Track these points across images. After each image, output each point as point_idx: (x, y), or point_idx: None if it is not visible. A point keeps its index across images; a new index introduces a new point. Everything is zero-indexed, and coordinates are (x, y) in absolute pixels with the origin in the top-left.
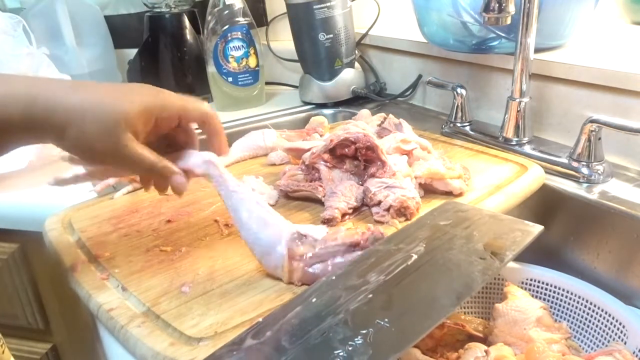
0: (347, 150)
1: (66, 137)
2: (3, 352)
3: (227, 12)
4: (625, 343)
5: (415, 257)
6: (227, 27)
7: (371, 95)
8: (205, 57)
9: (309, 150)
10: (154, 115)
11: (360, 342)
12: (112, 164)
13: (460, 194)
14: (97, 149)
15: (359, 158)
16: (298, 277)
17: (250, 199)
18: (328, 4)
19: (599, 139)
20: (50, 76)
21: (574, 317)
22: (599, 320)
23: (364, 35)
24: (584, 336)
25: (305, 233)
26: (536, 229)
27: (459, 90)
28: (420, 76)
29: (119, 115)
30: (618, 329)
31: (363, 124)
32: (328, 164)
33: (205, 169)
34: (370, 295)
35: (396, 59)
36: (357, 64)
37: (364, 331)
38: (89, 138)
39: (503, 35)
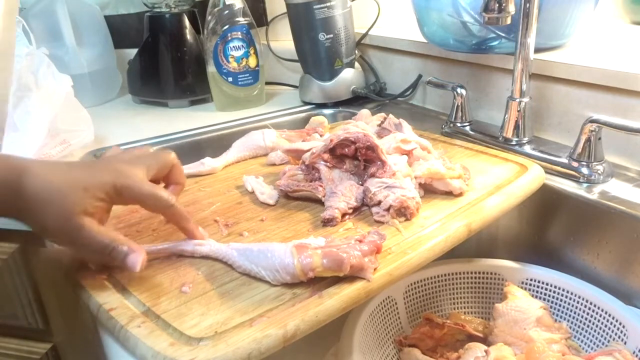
0: (347, 150)
1: (29, 223)
2: None
3: (227, 12)
4: (625, 343)
5: None
6: (227, 27)
7: (371, 95)
8: (205, 57)
9: (308, 151)
10: (114, 197)
11: None
12: (74, 249)
13: (460, 194)
14: (57, 236)
15: (359, 158)
16: (310, 267)
17: (241, 246)
18: (328, 4)
19: (599, 139)
20: (49, 76)
21: (574, 317)
22: (599, 320)
23: (364, 35)
24: (584, 336)
25: (305, 243)
26: None
27: (459, 90)
28: (420, 76)
29: (72, 206)
30: (618, 329)
31: (363, 124)
32: (328, 164)
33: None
34: None
35: (396, 59)
36: (357, 64)
37: None
38: (48, 226)
39: (503, 35)
